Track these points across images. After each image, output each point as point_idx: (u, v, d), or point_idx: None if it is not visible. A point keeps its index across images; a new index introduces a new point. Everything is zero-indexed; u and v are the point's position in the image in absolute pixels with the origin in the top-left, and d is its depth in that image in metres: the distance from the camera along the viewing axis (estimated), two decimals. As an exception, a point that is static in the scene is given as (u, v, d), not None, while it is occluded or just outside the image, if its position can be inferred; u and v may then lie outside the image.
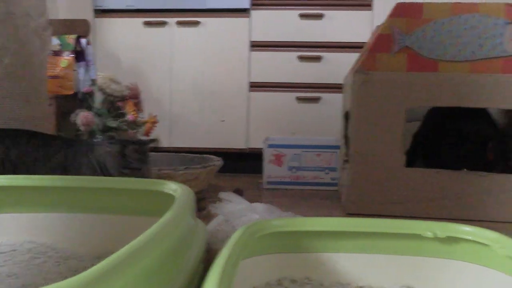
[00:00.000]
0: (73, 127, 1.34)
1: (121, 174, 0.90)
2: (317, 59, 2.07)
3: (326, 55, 2.07)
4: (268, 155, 1.73)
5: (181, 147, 2.02)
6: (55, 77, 1.60)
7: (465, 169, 1.26)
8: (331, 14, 2.07)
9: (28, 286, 0.53)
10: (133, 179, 0.72)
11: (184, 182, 0.66)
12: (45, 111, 1.20)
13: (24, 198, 0.68)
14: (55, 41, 1.68)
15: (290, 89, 2.09)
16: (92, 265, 0.32)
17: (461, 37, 1.26)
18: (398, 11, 1.30)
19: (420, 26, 1.28)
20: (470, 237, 0.51)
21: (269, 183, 1.72)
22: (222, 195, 0.82)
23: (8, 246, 0.65)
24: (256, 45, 2.10)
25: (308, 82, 2.08)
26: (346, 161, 1.38)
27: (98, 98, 1.45)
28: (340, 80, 1.73)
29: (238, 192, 1.13)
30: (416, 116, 1.42)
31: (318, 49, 2.08)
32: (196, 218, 0.62)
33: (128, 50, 2.13)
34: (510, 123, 1.30)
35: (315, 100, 2.08)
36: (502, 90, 1.23)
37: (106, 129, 1.38)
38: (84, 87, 1.56)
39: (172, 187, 0.63)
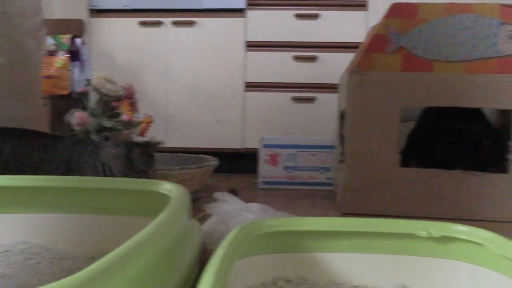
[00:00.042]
0: (68, 127, 1.33)
1: (126, 177, 0.89)
2: (313, 59, 2.08)
3: (321, 55, 2.08)
4: (263, 155, 1.73)
5: (177, 147, 2.02)
6: (49, 77, 1.59)
7: (459, 169, 1.27)
8: (326, 14, 2.07)
9: (22, 287, 0.53)
10: (128, 179, 0.72)
11: (179, 182, 0.66)
12: (39, 111, 1.20)
13: (17, 199, 0.68)
14: (50, 41, 1.68)
15: (286, 89, 2.09)
16: (87, 265, 0.32)
17: (456, 37, 1.27)
18: (393, 12, 1.30)
19: (415, 26, 1.28)
20: (465, 237, 0.51)
21: (264, 183, 1.72)
22: (217, 195, 0.82)
23: (1, 247, 0.64)
24: (252, 45, 2.10)
25: (304, 82, 2.08)
26: (341, 161, 1.38)
27: (93, 98, 1.45)
28: (335, 80, 1.73)
29: (234, 192, 1.13)
30: (410, 116, 1.42)
31: (314, 49, 2.08)
32: (192, 218, 0.62)
33: (124, 50, 2.12)
34: (504, 123, 1.31)
35: (311, 100, 2.08)
36: (496, 90, 1.24)
37: (101, 129, 1.38)
38: (79, 87, 1.55)
39: (167, 187, 0.63)
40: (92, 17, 2.10)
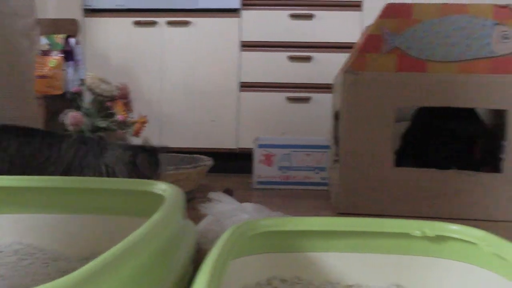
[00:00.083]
0: (62, 127, 1.33)
1: None
2: (307, 59, 2.08)
3: (316, 55, 2.08)
4: (258, 155, 1.73)
5: (171, 147, 2.01)
6: (43, 76, 1.59)
7: (453, 168, 1.27)
8: (321, 15, 2.08)
9: (16, 288, 0.53)
10: (122, 179, 0.71)
11: (174, 182, 0.66)
12: (33, 111, 1.19)
13: (10, 199, 0.68)
14: (43, 41, 1.67)
15: (280, 89, 2.09)
16: (81, 266, 0.32)
17: (450, 38, 1.27)
18: (388, 12, 1.30)
19: (410, 27, 1.29)
20: (458, 236, 0.51)
21: (259, 183, 1.73)
22: (212, 195, 0.82)
23: (-5, 247, 0.64)
24: (247, 45, 2.10)
25: (298, 82, 2.09)
26: (336, 161, 1.39)
27: (87, 98, 1.44)
28: (330, 80, 1.74)
29: (228, 192, 1.13)
30: (404, 116, 1.42)
31: (308, 49, 2.09)
32: (186, 218, 0.62)
33: (118, 50, 2.12)
34: (497, 123, 1.32)
35: (305, 100, 2.08)
36: (489, 91, 1.25)
37: (95, 129, 1.38)
38: (73, 87, 1.55)
39: (161, 187, 0.62)
40: (86, 16, 2.10)
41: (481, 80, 1.25)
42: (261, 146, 1.74)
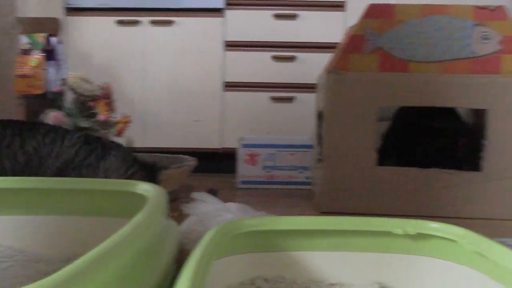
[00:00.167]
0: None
1: None
2: (291, 59, 2.09)
3: (300, 55, 2.09)
4: (242, 154, 1.73)
5: (155, 147, 2.00)
6: (24, 76, 1.56)
7: (434, 167, 1.29)
8: (305, 15, 2.09)
9: (-5, 291, 0.52)
10: (103, 180, 0.71)
11: (157, 182, 0.66)
12: (13, 111, 1.17)
13: (-10, 200, 0.67)
14: (24, 40, 1.65)
15: (264, 89, 2.09)
16: (62, 267, 0.32)
17: (432, 38, 1.29)
18: (371, 12, 1.32)
19: (392, 27, 1.30)
20: (438, 234, 0.52)
21: (243, 182, 1.72)
22: (196, 195, 0.82)
23: (-27, 250, 0.63)
24: (231, 45, 2.10)
25: (282, 82, 2.09)
26: (319, 160, 1.39)
27: (69, 98, 1.43)
28: (313, 80, 1.74)
29: (212, 192, 1.13)
30: (385, 116, 1.44)
31: (292, 49, 2.09)
32: (169, 218, 0.62)
33: (101, 49, 2.10)
34: (478, 123, 1.34)
35: (289, 100, 2.09)
36: (470, 90, 1.27)
37: (77, 130, 1.36)
38: (55, 87, 1.53)
39: (144, 188, 0.62)
40: (68, 15, 2.07)
41: (462, 80, 1.27)
42: (245, 146, 1.74)
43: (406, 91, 1.28)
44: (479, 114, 1.32)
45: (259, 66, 2.09)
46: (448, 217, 1.24)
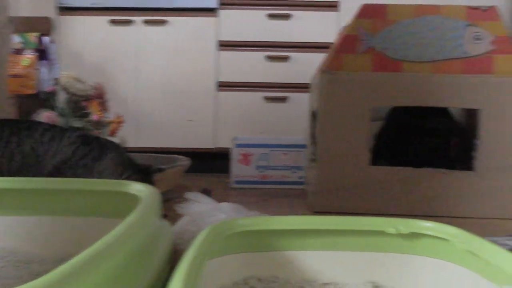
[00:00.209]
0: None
1: None
2: (285, 59, 2.09)
3: (293, 55, 2.09)
4: (235, 154, 1.73)
5: (148, 147, 2.00)
6: (16, 76, 1.55)
7: (427, 167, 1.29)
8: (298, 15, 2.09)
9: (-13, 292, 0.51)
10: (96, 180, 0.71)
11: (150, 182, 0.65)
12: (5, 111, 1.17)
13: (-18, 201, 0.66)
14: (16, 39, 1.64)
15: (258, 88, 2.09)
16: (55, 268, 0.32)
17: (424, 38, 1.30)
18: (364, 12, 1.32)
19: (385, 27, 1.30)
20: (431, 233, 0.52)
21: (237, 182, 1.72)
22: (189, 195, 0.81)
23: (-35, 251, 0.63)
24: (224, 45, 2.09)
25: (276, 81, 2.09)
26: (312, 160, 1.39)
27: (62, 97, 1.42)
28: (307, 80, 1.74)
29: (206, 192, 1.13)
30: (378, 116, 1.44)
31: (286, 49, 2.09)
32: (162, 219, 0.62)
33: (94, 49, 2.09)
34: (470, 123, 1.34)
35: (283, 99, 2.09)
36: (462, 90, 1.27)
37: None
38: (47, 87, 1.52)
39: (137, 188, 0.62)
40: (60, 15, 2.06)
41: (455, 80, 1.27)
42: (238, 145, 1.74)
43: (399, 91, 1.28)
44: (472, 114, 1.33)
45: (253, 66, 2.09)
46: (441, 216, 1.24)
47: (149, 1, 2.07)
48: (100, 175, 0.88)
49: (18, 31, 1.64)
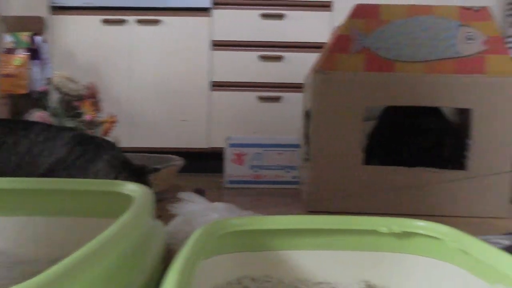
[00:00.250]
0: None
1: None
2: (278, 58, 2.09)
3: (287, 55, 2.09)
4: (229, 154, 1.73)
5: (141, 147, 1.99)
6: (8, 75, 1.54)
7: (420, 166, 1.30)
8: (292, 15, 2.09)
9: (-21, 293, 0.51)
10: (90, 180, 0.70)
11: (143, 182, 0.65)
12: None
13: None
14: (8, 38, 1.63)
15: (252, 88, 2.09)
16: (48, 268, 0.31)
17: (417, 38, 1.30)
18: (357, 12, 1.32)
19: (378, 27, 1.31)
20: (423, 232, 0.53)
21: (230, 182, 1.72)
22: (183, 195, 0.81)
23: (-43, 252, 0.62)
24: (218, 45, 2.09)
25: (270, 81, 2.09)
26: (306, 160, 1.40)
27: (54, 97, 1.41)
28: (301, 80, 1.75)
29: (199, 192, 1.13)
30: (371, 116, 1.45)
31: (279, 49, 2.10)
32: (156, 219, 0.61)
33: (86, 49, 2.08)
34: (462, 122, 1.35)
35: (276, 99, 2.09)
36: (455, 90, 1.28)
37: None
38: (39, 86, 1.51)
39: (130, 188, 0.62)
40: (53, 14, 2.05)
41: (447, 80, 1.28)
42: (232, 145, 1.74)
43: (392, 91, 1.29)
44: (463, 114, 1.34)
45: (246, 66, 2.09)
46: (433, 215, 1.25)
47: (142, 0, 2.06)
48: (95, 176, 0.88)
49: (10, 30, 1.63)
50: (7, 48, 1.60)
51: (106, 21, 2.07)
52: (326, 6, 2.08)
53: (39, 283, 0.29)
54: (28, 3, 2.01)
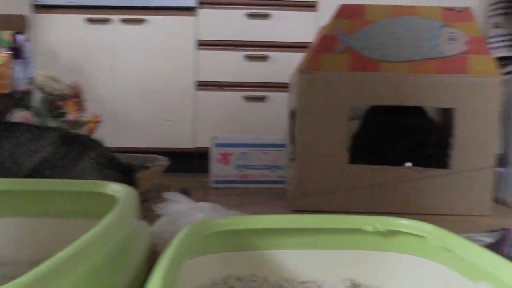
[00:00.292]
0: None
1: None
2: (264, 58, 2.09)
3: (272, 54, 2.09)
4: (215, 154, 1.73)
5: (126, 147, 1.98)
6: (-10, 75, 1.52)
7: (405, 165, 1.31)
8: (277, 14, 2.09)
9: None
10: (74, 181, 0.70)
11: (128, 182, 0.65)
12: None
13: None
14: (-11, 37, 1.60)
15: (237, 88, 2.09)
16: (30, 271, 0.31)
17: (401, 39, 1.31)
18: (342, 12, 1.33)
19: (363, 27, 1.32)
20: (407, 230, 0.53)
21: (216, 182, 1.72)
22: (168, 195, 0.81)
23: None
24: (203, 44, 2.09)
25: (255, 81, 2.09)
26: (292, 159, 1.40)
27: (37, 97, 1.39)
28: (286, 79, 1.75)
29: (185, 192, 1.12)
30: (356, 115, 1.46)
31: (265, 48, 2.10)
32: (140, 219, 0.61)
33: (70, 48, 2.06)
34: (446, 122, 1.37)
35: (262, 99, 2.09)
36: (438, 90, 1.29)
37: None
38: (22, 86, 1.49)
39: (114, 188, 0.61)
40: (36, 12, 2.02)
41: (431, 80, 1.29)
42: (218, 145, 1.73)
43: (377, 91, 1.30)
44: (447, 113, 1.35)
45: (232, 65, 2.09)
46: (417, 214, 1.26)
47: (126, -1, 2.05)
48: (82, 174, 0.87)
49: (-9, 29, 1.60)
50: (-12, 47, 1.58)
51: (90, 20, 2.05)
52: (312, 6, 2.08)
53: (21, 285, 0.29)
54: (10, 1, 1.98)
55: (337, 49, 1.31)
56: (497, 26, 1.92)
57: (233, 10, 2.09)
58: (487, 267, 0.42)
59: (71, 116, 1.38)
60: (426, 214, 1.26)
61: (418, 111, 1.40)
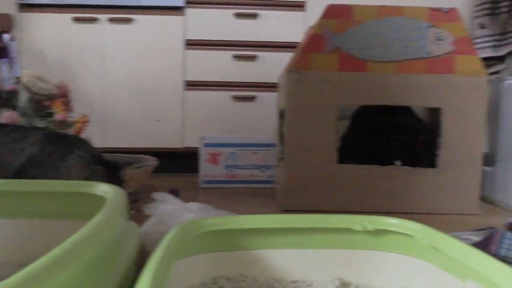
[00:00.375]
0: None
1: None
2: (252, 58, 2.09)
3: (261, 54, 2.09)
4: (204, 154, 1.73)
5: (115, 147, 1.96)
6: (-25, 74, 1.50)
7: (395, 164, 1.32)
8: (265, 14, 2.09)
9: None
10: (61, 181, 0.69)
11: (116, 183, 0.64)
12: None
13: None
14: (-26, 36, 1.58)
15: (226, 88, 2.09)
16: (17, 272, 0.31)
17: (388, 39, 1.32)
18: (329, 13, 1.34)
19: (350, 27, 1.32)
20: (395, 229, 0.53)
21: (205, 182, 1.72)
22: (157, 195, 0.81)
23: None
24: (191, 44, 2.08)
25: (244, 81, 2.09)
26: (281, 159, 1.40)
27: (24, 97, 1.38)
28: (275, 79, 1.75)
29: (174, 192, 1.12)
30: (344, 115, 1.46)
31: (253, 48, 2.09)
32: (129, 220, 0.61)
33: (57, 47, 2.04)
34: (433, 121, 1.38)
35: (251, 99, 2.09)
36: (425, 90, 1.31)
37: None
38: (8, 86, 1.47)
39: (103, 189, 0.61)
40: (21, 11, 2.00)
41: (418, 80, 1.30)
42: (207, 145, 1.73)
43: (365, 90, 1.31)
44: (434, 113, 1.36)
45: (220, 65, 2.08)
46: (406, 213, 1.27)
47: (114, -2, 2.03)
48: (68, 172, 0.87)
49: (-24, 28, 1.58)
50: (-27, 46, 1.56)
51: (77, 19, 2.03)
52: (300, 6, 2.09)
53: (10, 286, 0.29)
54: (-5, 0, 1.96)
55: (325, 49, 1.31)
56: (482, 26, 1.95)
57: (221, 9, 2.09)
58: (474, 266, 0.43)
59: (58, 116, 1.36)
60: (414, 213, 1.27)
61: (406, 111, 1.41)
